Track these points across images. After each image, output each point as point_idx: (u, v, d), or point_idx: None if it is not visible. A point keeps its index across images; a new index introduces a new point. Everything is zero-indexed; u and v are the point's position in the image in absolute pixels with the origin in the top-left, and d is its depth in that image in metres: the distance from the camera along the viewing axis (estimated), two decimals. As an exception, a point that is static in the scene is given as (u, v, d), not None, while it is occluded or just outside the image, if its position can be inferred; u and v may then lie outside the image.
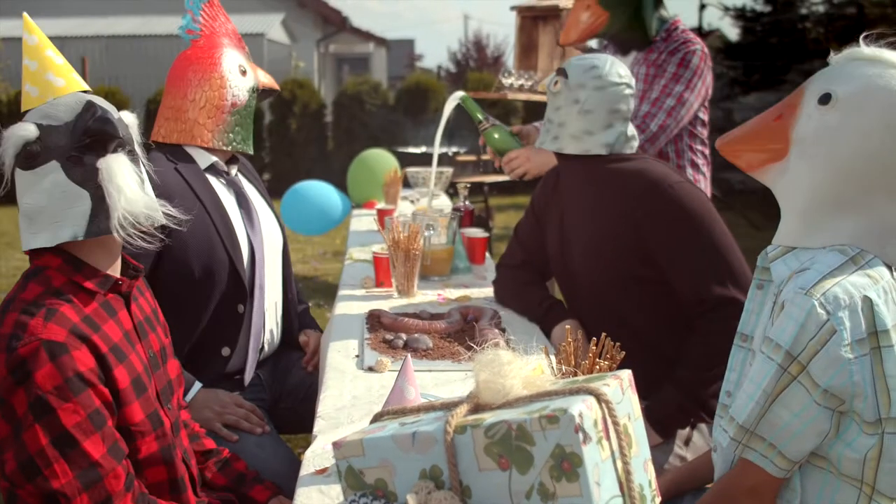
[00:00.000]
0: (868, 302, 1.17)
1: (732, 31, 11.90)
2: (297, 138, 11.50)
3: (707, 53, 2.53)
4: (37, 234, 1.33)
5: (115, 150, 1.35)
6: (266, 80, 2.17)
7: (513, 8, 3.53)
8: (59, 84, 1.38)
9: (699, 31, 9.27)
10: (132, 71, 13.55)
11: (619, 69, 1.99)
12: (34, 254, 1.36)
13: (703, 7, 8.68)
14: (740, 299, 1.79)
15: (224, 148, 2.05)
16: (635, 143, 2.03)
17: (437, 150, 3.00)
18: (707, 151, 2.65)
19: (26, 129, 1.30)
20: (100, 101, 1.37)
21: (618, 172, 1.97)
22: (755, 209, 9.11)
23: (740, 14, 10.19)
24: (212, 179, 2.03)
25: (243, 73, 2.09)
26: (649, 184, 1.90)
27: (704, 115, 2.61)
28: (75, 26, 14.36)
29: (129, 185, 1.35)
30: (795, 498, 1.23)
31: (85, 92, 1.40)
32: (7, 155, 1.31)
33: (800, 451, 1.20)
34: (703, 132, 2.63)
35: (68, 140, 1.31)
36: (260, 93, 2.14)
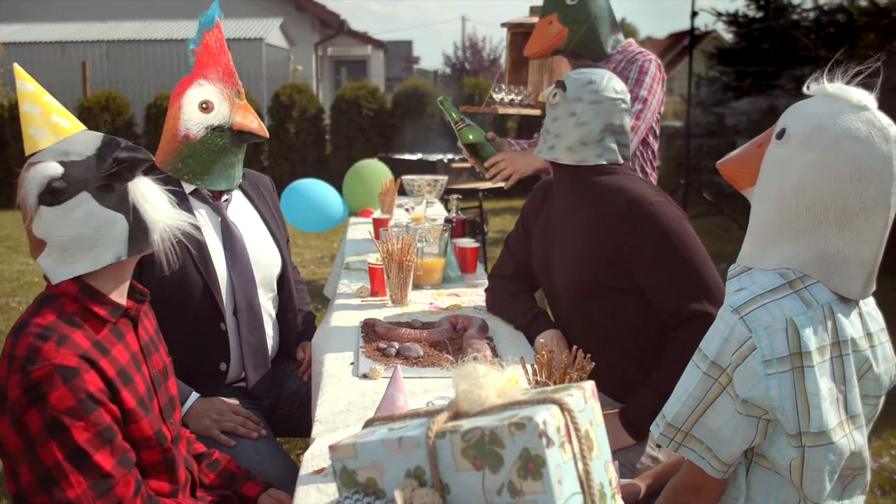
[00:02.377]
0: (793, 324, 1.28)
1: (725, 37, 12.01)
2: (295, 143, 11.61)
3: (661, 65, 2.75)
4: (74, 263, 1.42)
5: (140, 174, 1.47)
6: (244, 122, 2.13)
7: (503, 25, 3.66)
8: (65, 125, 1.47)
9: (692, 34, 9.39)
10: (132, 76, 13.64)
11: (615, 84, 2.10)
12: (49, 283, 1.45)
13: (694, 14, 8.79)
14: (713, 313, 1.91)
15: (172, 175, 2.12)
16: (628, 152, 2.14)
17: None
18: (655, 160, 2.83)
19: (51, 168, 1.39)
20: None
21: (603, 188, 2.07)
22: (745, 213, 9.24)
23: (733, 20, 10.32)
24: (194, 203, 2.14)
25: (204, 108, 2.10)
26: (631, 202, 2.00)
27: (656, 126, 2.80)
28: (76, 31, 14.46)
29: (160, 201, 1.48)
30: (741, 495, 1.37)
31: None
32: (31, 195, 1.40)
33: (731, 454, 1.33)
34: (654, 142, 2.81)
35: (95, 171, 1.41)
36: (237, 133, 2.13)
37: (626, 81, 2.66)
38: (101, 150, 1.43)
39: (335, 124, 11.78)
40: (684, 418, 1.35)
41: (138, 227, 1.45)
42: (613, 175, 2.09)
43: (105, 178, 1.42)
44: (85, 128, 1.49)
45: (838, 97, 1.35)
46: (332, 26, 18.87)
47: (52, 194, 1.39)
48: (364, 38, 21.73)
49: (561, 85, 2.12)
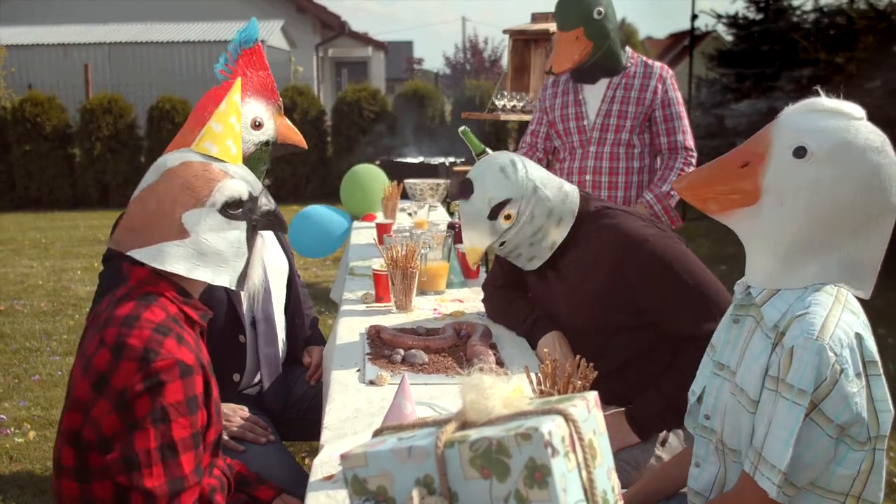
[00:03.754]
0: (859, 338, 1.30)
1: (725, 39, 12.04)
2: (296, 145, 11.64)
3: (667, 68, 2.97)
4: (201, 268, 1.53)
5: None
6: (290, 134, 2.18)
7: (506, 31, 3.70)
8: (233, 152, 1.62)
9: (692, 36, 9.43)
10: (134, 78, 13.68)
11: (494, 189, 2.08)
12: (144, 278, 1.50)
13: (695, 16, 8.84)
14: None
15: None
16: (575, 193, 2.14)
17: None
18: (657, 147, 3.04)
19: (244, 191, 1.57)
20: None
21: (595, 234, 2.07)
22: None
23: (732, 21, 10.35)
24: None
25: (257, 126, 2.11)
26: (625, 246, 2.01)
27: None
28: (78, 33, 14.49)
29: (262, 258, 1.67)
30: None
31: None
32: (221, 196, 1.53)
33: (807, 478, 1.31)
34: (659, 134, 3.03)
35: (255, 212, 1.60)
36: (279, 146, 2.17)
37: (646, 91, 2.84)
38: (261, 198, 1.63)
39: (336, 126, 11.82)
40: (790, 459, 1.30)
41: (247, 270, 1.61)
42: (593, 223, 2.10)
43: (256, 221, 1.61)
44: (241, 163, 1.64)
45: (841, 112, 1.37)
46: (333, 28, 18.92)
47: (232, 208, 1.55)
48: (365, 40, 21.78)
49: (466, 191, 2.11)
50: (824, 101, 1.39)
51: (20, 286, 6.54)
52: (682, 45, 21.87)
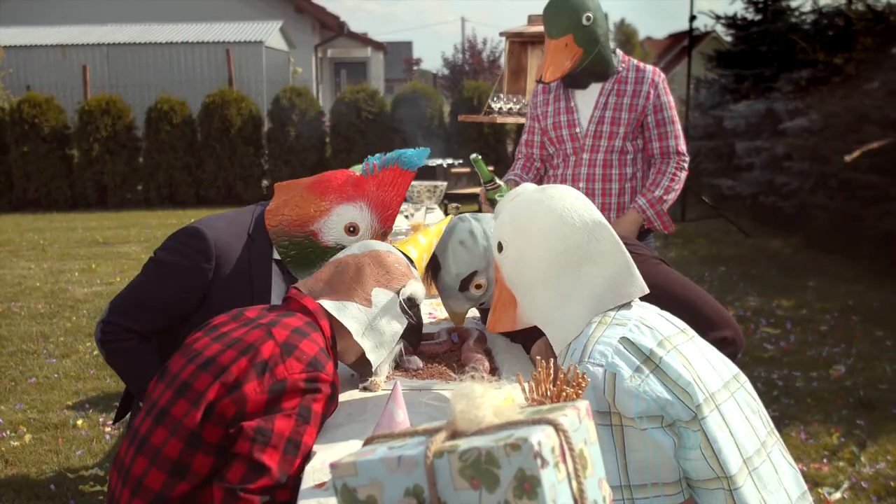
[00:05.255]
0: (626, 340, 1.45)
1: (724, 39, 12.04)
2: (295, 145, 11.64)
3: (660, 72, 2.96)
4: (366, 337, 1.77)
5: None
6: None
7: (502, 33, 3.69)
8: (414, 255, 1.98)
9: (690, 37, 9.43)
10: (133, 79, 13.68)
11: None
12: (315, 309, 1.72)
13: (693, 18, 8.83)
14: (725, 336, 1.96)
15: (275, 244, 2.09)
16: None
17: None
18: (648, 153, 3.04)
19: (422, 296, 1.87)
20: None
21: None
22: (744, 216, 9.28)
23: (731, 23, 10.35)
24: (275, 268, 2.12)
25: (350, 231, 2.08)
26: None
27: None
28: (76, 34, 14.49)
29: (392, 361, 1.98)
30: None
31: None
32: (407, 290, 1.82)
33: (672, 469, 1.42)
34: (652, 140, 3.02)
35: (414, 318, 1.86)
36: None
37: (638, 97, 2.84)
38: (420, 312, 1.90)
39: (335, 127, 11.82)
40: (623, 474, 1.43)
41: (379, 363, 1.84)
42: None
43: (402, 310, 1.83)
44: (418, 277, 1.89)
45: (516, 193, 1.66)
46: (332, 28, 18.93)
47: (408, 305, 1.83)
48: (364, 40, 21.79)
49: (435, 268, 2.20)
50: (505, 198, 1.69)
51: (17, 288, 6.54)
52: (681, 46, 21.89)
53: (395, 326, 1.80)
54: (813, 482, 3.14)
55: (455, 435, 1.16)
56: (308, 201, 2.07)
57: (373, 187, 2.09)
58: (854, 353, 4.69)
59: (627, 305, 1.58)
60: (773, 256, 7.54)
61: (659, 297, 1.95)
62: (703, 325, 1.93)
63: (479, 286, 2.14)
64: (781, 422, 3.72)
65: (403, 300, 1.81)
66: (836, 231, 7.34)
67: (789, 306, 5.78)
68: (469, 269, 2.12)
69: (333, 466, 1.21)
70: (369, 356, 1.78)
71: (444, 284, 2.17)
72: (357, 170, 2.16)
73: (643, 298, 1.88)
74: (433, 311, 2.59)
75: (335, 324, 1.74)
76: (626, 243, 2.13)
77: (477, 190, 5.80)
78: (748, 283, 6.39)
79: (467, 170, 5.61)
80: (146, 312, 2.01)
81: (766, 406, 3.92)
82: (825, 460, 3.35)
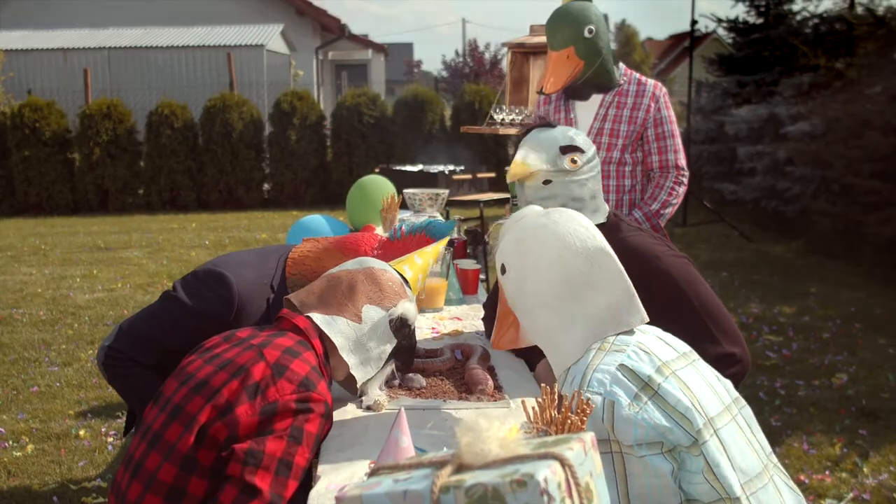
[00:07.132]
0: (624, 367, 1.45)
1: (725, 42, 12.04)
2: (296, 149, 11.64)
3: (661, 86, 2.95)
4: (353, 353, 1.78)
5: None
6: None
7: (504, 44, 3.69)
8: (418, 284, 1.99)
9: (692, 40, 9.42)
10: (134, 83, 13.68)
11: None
12: (307, 326, 1.73)
13: (695, 22, 8.82)
14: (734, 352, 1.95)
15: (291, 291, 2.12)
16: (604, 210, 2.19)
17: None
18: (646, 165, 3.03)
19: (414, 317, 1.88)
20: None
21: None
22: (746, 220, 9.28)
23: (733, 26, 10.36)
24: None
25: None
26: (639, 262, 1.99)
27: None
28: (77, 38, 14.49)
29: (382, 384, 1.96)
30: None
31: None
32: (398, 310, 1.83)
33: (673, 493, 1.41)
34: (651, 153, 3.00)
35: (406, 339, 1.87)
36: None
37: (638, 109, 2.83)
38: (414, 335, 1.92)
39: (336, 131, 11.82)
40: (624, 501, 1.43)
41: (367, 383, 1.88)
42: (607, 232, 2.10)
43: (400, 346, 1.87)
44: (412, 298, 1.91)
45: (516, 219, 1.67)
46: (333, 30, 18.92)
47: (399, 325, 1.83)
48: (364, 42, 21.79)
49: (548, 125, 2.19)
50: (508, 221, 1.70)
51: (19, 294, 6.54)
52: (682, 47, 21.87)
53: (384, 345, 1.81)
54: (815, 494, 3.14)
55: (461, 468, 1.15)
56: (332, 257, 2.13)
57: (395, 250, 2.21)
58: (856, 362, 4.68)
59: (628, 330, 1.58)
60: (774, 262, 7.53)
61: (684, 292, 1.98)
62: (718, 335, 1.93)
63: (574, 161, 2.10)
64: (784, 432, 3.72)
65: (394, 319, 1.82)
66: (839, 236, 7.34)
67: (791, 313, 5.78)
68: (579, 145, 2.11)
69: (339, 500, 1.21)
70: (354, 372, 1.78)
71: (551, 137, 2.13)
72: (380, 230, 2.26)
73: (677, 294, 1.89)
74: (436, 325, 2.58)
75: (327, 341, 1.76)
76: (664, 240, 2.13)
77: (479, 197, 5.81)
78: (750, 289, 6.39)
79: (469, 176, 5.60)
80: (154, 347, 2.02)
81: (768, 415, 3.92)
82: (827, 471, 3.34)
